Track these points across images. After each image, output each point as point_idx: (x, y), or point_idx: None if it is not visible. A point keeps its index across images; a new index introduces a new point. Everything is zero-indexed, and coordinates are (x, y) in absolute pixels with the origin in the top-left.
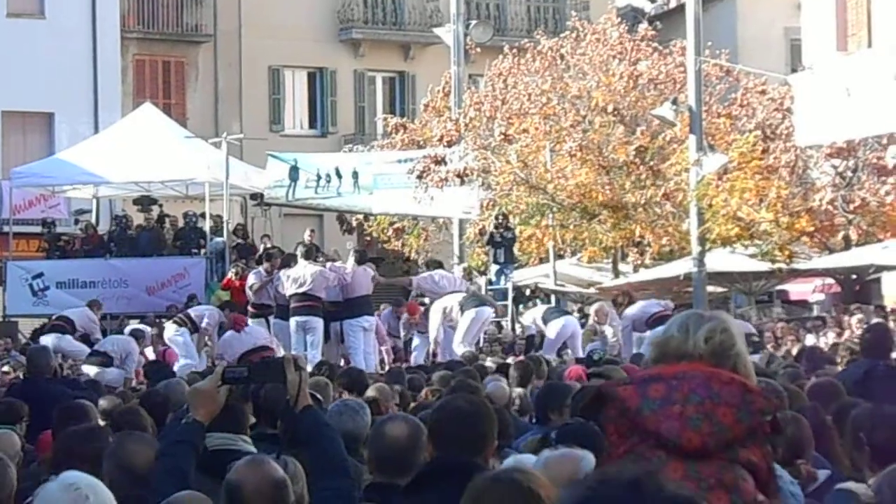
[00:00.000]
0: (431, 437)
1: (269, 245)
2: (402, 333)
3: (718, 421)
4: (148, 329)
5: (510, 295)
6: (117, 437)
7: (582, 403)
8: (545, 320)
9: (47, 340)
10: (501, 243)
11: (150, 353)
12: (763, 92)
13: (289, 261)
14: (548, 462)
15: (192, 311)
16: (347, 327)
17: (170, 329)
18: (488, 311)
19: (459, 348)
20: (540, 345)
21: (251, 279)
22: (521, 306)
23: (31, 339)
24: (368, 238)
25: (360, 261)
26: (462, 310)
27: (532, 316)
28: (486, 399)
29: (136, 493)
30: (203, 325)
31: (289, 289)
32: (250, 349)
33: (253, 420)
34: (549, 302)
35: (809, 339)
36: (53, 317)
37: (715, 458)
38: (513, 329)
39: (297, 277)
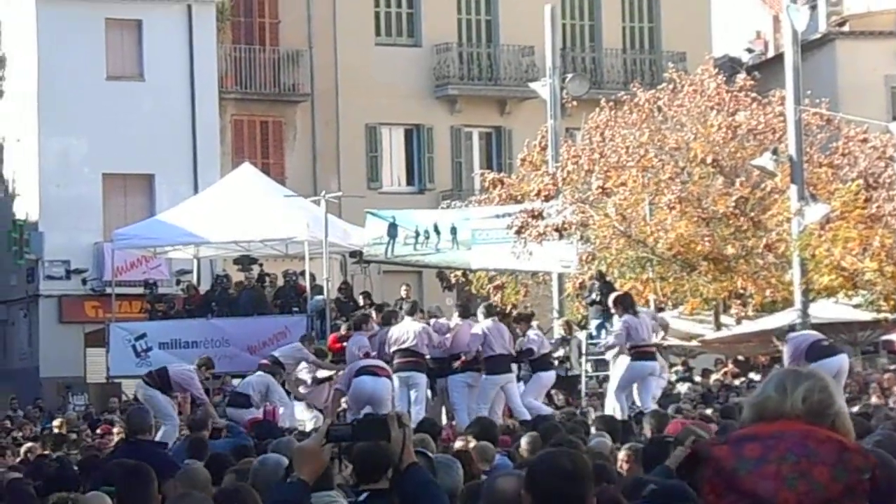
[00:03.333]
0: (528, 489)
1: (370, 303)
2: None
3: (814, 480)
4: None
5: None
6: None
7: (677, 463)
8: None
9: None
10: (601, 301)
11: None
12: (865, 140)
13: (389, 317)
14: None
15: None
16: (452, 383)
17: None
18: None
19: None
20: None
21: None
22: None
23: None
24: (468, 294)
25: (465, 314)
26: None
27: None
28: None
29: None
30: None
31: (392, 345)
32: None
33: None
34: None
35: None
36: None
37: None
38: None
39: (401, 334)
